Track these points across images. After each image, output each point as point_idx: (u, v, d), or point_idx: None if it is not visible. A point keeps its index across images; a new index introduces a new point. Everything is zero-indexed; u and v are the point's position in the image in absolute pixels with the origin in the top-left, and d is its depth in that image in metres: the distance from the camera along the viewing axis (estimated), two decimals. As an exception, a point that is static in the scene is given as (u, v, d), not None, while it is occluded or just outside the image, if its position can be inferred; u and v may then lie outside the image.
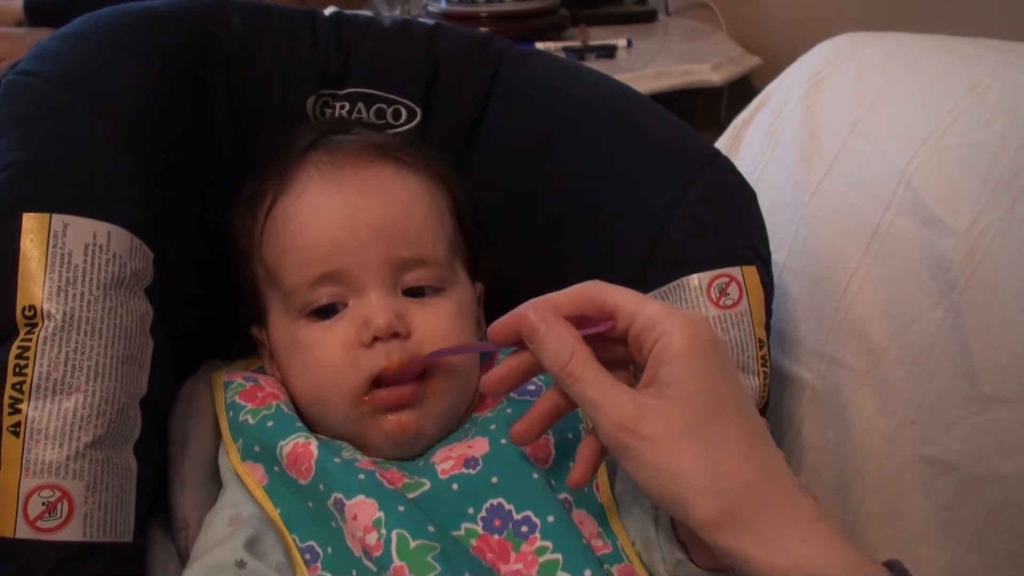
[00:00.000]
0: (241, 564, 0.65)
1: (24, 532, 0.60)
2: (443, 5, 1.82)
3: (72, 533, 0.61)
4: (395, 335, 0.73)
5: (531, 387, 0.77)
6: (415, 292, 0.76)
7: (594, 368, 0.59)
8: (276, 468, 0.71)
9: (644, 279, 0.79)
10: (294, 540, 0.67)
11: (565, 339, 0.60)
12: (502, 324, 0.63)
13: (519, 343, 0.63)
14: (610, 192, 0.83)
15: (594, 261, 0.84)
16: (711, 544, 0.56)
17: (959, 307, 0.77)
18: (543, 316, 0.61)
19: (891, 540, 0.80)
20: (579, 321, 0.62)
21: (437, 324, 0.74)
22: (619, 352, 0.63)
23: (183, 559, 0.69)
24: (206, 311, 0.81)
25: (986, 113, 0.83)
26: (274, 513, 0.69)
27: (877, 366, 0.83)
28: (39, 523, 0.60)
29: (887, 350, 0.82)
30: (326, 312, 0.75)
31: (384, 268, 0.74)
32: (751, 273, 0.77)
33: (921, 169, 0.84)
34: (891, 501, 0.81)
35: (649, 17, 2.10)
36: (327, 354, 0.73)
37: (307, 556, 0.67)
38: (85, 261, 0.64)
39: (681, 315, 0.59)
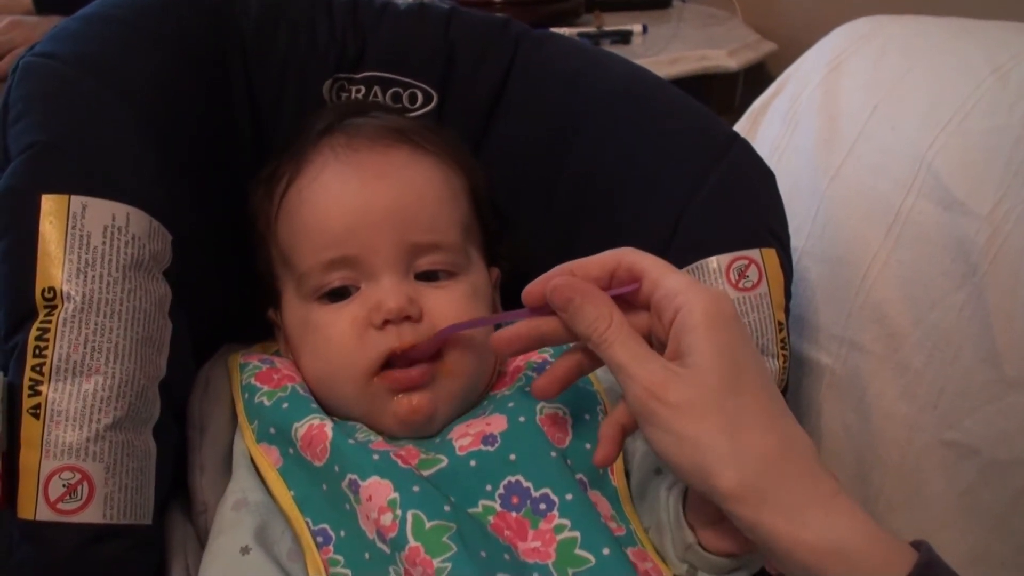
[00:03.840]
0: (246, 550, 0.65)
1: (45, 514, 0.60)
2: (458, -9, 1.82)
3: (92, 515, 0.61)
4: (407, 318, 0.72)
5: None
6: (429, 276, 0.76)
7: (628, 333, 0.60)
8: (291, 450, 0.71)
9: None
10: (307, 523, 0.67)
11: (603, 306, 0.61)
12: (536, 288, 0.64)
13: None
14: (629, 175, 0.83)
15: (612, 244, 0.83)
16: (734, 517, 0.56)
17: (981, 290, 0.77)
18: (576, 287, 0.62)
19: (912, 525, 0.80)
20: (606, 284, 0.63)
21: (449, 308, 0.74)
22: (642, 320, 0.63)
23: (202, 541, 0.70)
24: (225, 294, 0.81)
25: (1008, 96, 0.82)
26: (287, 496, 0.69)
27: (898, 350, 0.82)
28: (60, 505, 0.60)
29: (908, 334, 0.82)
30: (339, 295, 0.75)
31: (397, 252, 0.74)
32: (770, 256, 0.76)
33: (943, 152, 0.83)
34: (912, 486, 0.80)
35: (664, 3, 2.09)
36: (338, 334, 0.73)
37: (319, 539, 0.66)
38: (104, 243, 0.64)
39: (703, 287, 0.60)
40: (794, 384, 0.85)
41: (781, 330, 0.76)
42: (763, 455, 0.56)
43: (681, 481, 0.63)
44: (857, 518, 0.55)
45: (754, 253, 0.76)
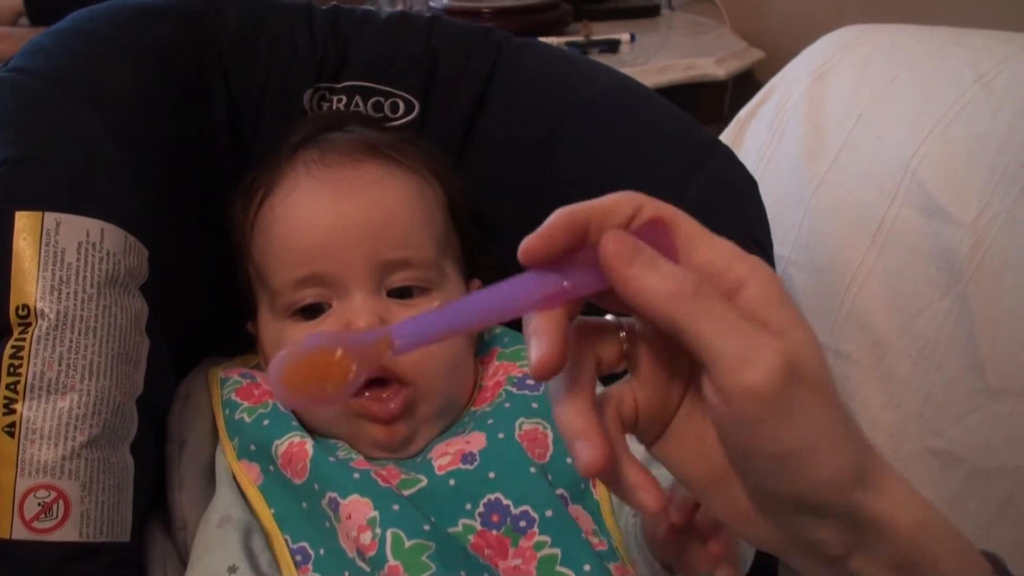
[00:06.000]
0: (233, 569, 0.64)
1: (20, 533, 0.59)
2: (445, 1, 1.82)
3: (69, 533, 0.60)
4: None
5: (530, 381, 0.76)
6: (402, 292, 0.75)
7: (719, 295, 0.42)
8: (271, 467, 0.70)
9: None
10: (286, 541, 0.67)
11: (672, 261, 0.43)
12: (543, 241, 0.45)
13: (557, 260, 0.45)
14: (611, 182, 0.81)
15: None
16: (848, 506, 0.44)
17: (965, 299, 0.77)
18: (627, 240, 0.42)
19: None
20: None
21: None
22: None
23: (182, 558, 0.69)
24: (204, 308, 0.80)
25: (992, 104, 0.82)
26: (267, 513, 0.68)
27: (883, 359, 0.82)
28: (35, 524, 0.59)
29: (893, 342, 0.82)
30: (311, 312, 0.74)
31: (368, 270, 0.73)
32: None
33: (927, 160, 0.83)
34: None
35: (652, 12, 2.08)
36: None
37: (298, 557, 0.66)
38: (78, 259, 0.64)
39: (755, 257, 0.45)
40: (780, 393, 0.84)
41: (764, 338, 0.76)
42: (864, 441, 0.45)
43: (769, 481, 0.45)
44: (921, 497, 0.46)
45: None
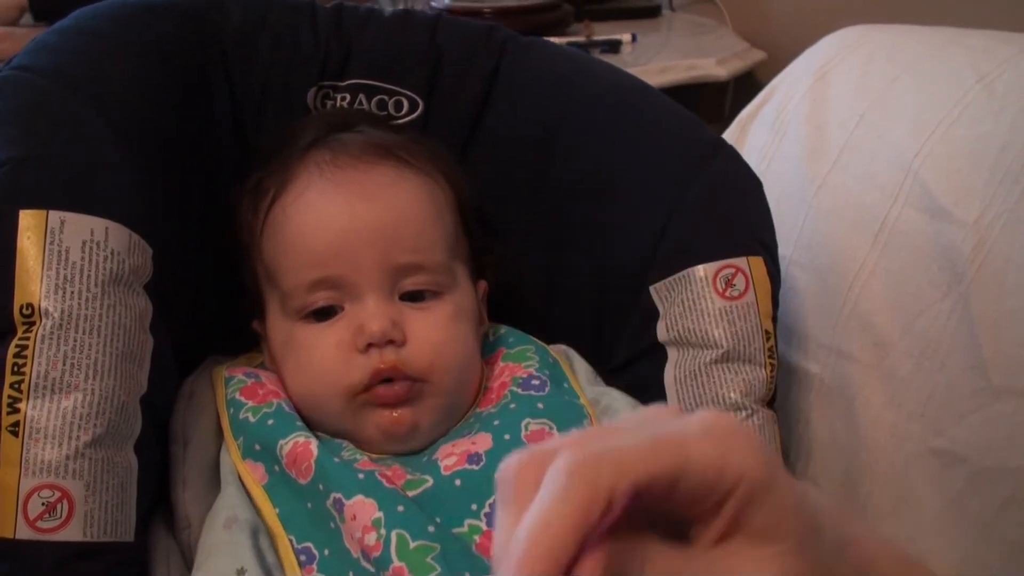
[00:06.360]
0: (242, 571, 0.64)
1: (24, 533, 0.59)
2: (447, 1, 1.82)
3: (72, 533, 0.60)
4: (390, 341, 0.72)
5: (535, 381, 0.76)
6: (413, 296, 0.75)
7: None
8: (276, 467, 0.70)
9: (649, 270, 0.78)
10: (291, 541, 0.67)
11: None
12: None
13: None
14: (614, 181, 0.83)
15: (598, 252, 0.83)
16: None
17: (968, 299, 0.77)
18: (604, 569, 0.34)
19: (900, 534, 0.79)
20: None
21: (433, 330, 0.74)
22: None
23: (186, 557, 0.69)
24: (208, 306, 0.81)
25: (994, 104, 0.82)
26: (272, 513, 0.68)
27: (885, 359, 0.82)
28: (39, 523, 0.59)
29: (895, 343, 0.82)
30: (324, 314, 0.74)
31: (381, 274, 0.74)
32: (757, 264, 0.76)
33: (929, 161, 0.83)
34: (900, 494, 0.80)
35: (653, 12, 2.09)
36: (322, 356, 0.73)
37: (303, 558, 0.66)
38: (83, 258, 0.64)
39: (723, 434, 0.37)
40: (783, 393, 0.85)
41: (768, 339, 0.76)
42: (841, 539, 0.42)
43: None
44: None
45: (741, 261, 0.76)
